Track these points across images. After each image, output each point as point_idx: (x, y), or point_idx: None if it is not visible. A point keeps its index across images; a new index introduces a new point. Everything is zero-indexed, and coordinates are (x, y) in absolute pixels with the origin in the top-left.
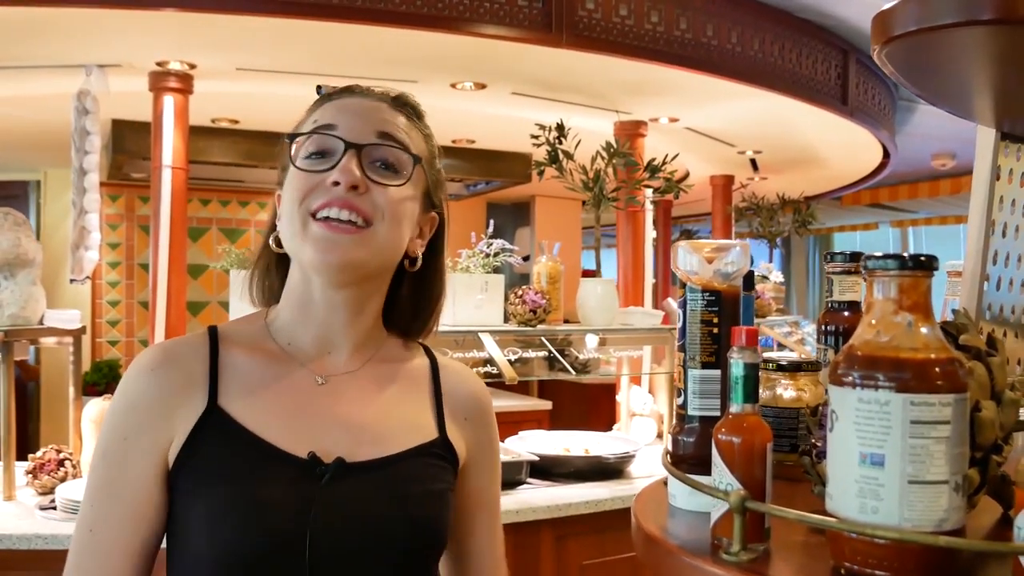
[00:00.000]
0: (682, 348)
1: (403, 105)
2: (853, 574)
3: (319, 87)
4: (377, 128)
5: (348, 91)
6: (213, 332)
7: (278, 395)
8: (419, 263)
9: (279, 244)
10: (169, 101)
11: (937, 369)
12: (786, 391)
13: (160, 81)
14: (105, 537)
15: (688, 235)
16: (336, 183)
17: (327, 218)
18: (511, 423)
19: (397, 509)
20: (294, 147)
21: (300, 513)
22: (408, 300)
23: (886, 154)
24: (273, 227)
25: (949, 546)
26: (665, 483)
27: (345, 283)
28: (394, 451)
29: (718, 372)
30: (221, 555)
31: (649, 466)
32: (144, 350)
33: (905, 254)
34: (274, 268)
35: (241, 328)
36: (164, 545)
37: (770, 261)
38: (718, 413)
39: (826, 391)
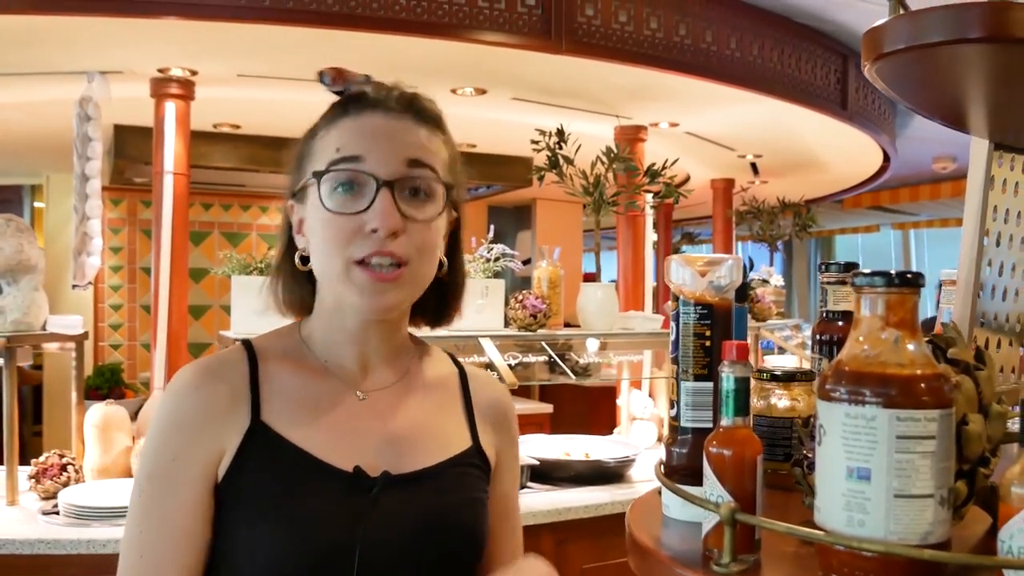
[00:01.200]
0: (675, 360)
1: (426, 117)
2: None
3: (321, 75)
4: (406, 155)
5: (364, 101)
6: (249, 347)
7: (320, 409)
8: (445, 267)
9: (304, 262)
10: (171, 107)
11: (923, 385)
12: (780, 400)
13: (162, 87)
14: (157, 562)
15: (689, 238)
16: (375, 229)
17: (370, 265)
18: None
19: (442, 519)
20: (319, 181)
21: (349, 527)
22: (433, 299)
23: (886, 158)
24: (290, 239)
25: (933, 559)
26: (660, 492)
27: (383, 320)
28: (434, 462)
29: (710, 384)
30: (269, 569)
31: (649, 470)
32: (181, 369)
33: (892, 271)
34: (300, 280)
35: (277, 343)
36: None
37: (771, 264)
38: (710, 425)
39: None
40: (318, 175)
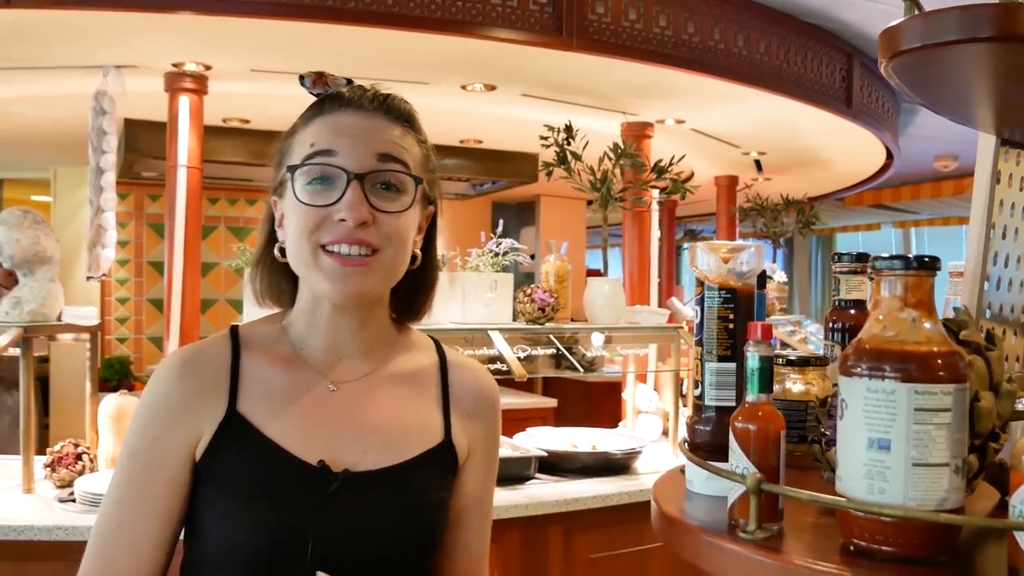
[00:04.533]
0: (699, 343)
1: (397, 116)
2: (861, 550)
3: (302, 78)
4: (377, 150)
5: (339, 100)
6: (235, 334)
7: (293, 401)
8: (419, 260)
9: (283, 254)
10: (184, 101)
11: (939, 361)
12: (795, 385)
13: (176, 82)
14: (133, 531)
15: (692, 235)
16: (344, 219)
17: (338, 252)
18: (516, 420)
19: (400, 520)
20: (293, 175)
21: (306, 518)
22: (406, 293)
23: (889, 155)
24: (272, 232)
25: (949, 523)
26: (681, 471)
27: (356, 307)
28: (401, 459)
29: (733, 365)
30: (231, 552)
31: (655, 462)
32: (169, 355)
33: (910, 255)
34: (279, 272)
35: (261, 331)
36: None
37: (773, 261)
38: (733, 403)
39: (834, 384)
40: (292, 169)
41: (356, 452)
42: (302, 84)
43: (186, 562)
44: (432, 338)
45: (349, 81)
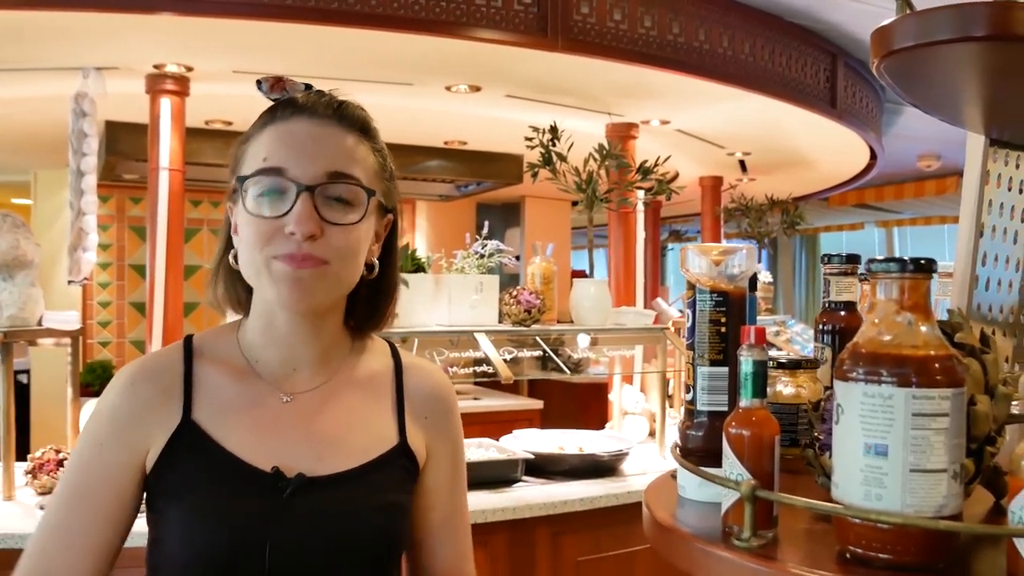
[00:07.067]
0: (691, 347)
1: (351, 124)
2: (858, 557)
3: (259, 83)
4: (328, 161)
5: (293, 107)
6: (188, 345)
7: (247, 411)
8: (376, 270)
9: (237, 261)
10: (166, 103)
11: (937, 365)
12: (786, 388)
13: (157, 83)
14: (71, 532)
15: (677, 235)
16: (293, 232)
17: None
18: (502, 422)
19: (354, 523)
20: (243, 186)
21: (261, 525)
22: (365, 302)
23: (873, 155)
24: (229, 238)
25: (949, 530)
26: (673, 476)
27: (308, 314)
28: (355, 464)
29: (726, 369)
30: (190, 559)
31: (642, 464)
32: (125, 365)
33: (906, 258)
34: (236, 278)
35: (215, 341)
36: (145, 543)
37: (758, 261)
38: (726, 408)
39: (824, 388)
40: (242, 180)
41: (310, 459)
42: (259, 89)
43: (148, 572)
44: (388, 342)
45: (308, 86)
